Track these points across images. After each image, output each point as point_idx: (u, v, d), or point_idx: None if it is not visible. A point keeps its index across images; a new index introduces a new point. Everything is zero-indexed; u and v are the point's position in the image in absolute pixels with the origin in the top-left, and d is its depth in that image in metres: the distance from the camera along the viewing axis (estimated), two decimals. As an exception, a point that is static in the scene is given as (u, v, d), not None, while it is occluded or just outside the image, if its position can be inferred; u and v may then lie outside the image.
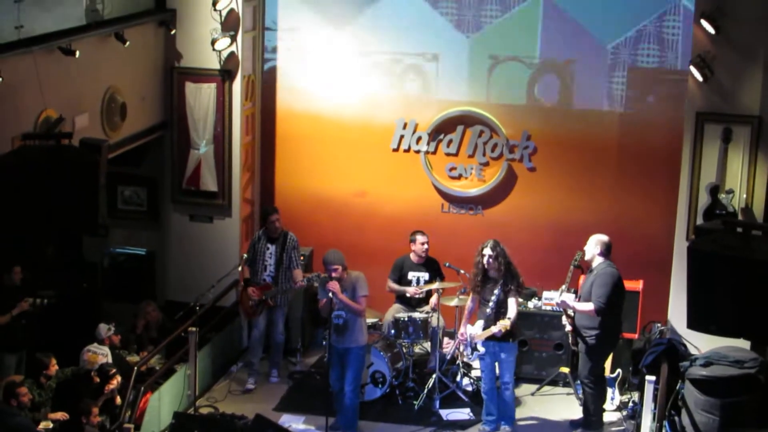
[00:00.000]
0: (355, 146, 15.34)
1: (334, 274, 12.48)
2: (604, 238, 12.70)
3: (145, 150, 14.91)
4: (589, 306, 12.42)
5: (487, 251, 12.59)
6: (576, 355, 12.88)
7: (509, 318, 12.47)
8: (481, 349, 12.72)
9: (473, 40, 14.82)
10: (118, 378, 12.33)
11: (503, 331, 12.42)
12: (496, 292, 12.54)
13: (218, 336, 14.35)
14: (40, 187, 10.61)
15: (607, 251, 12.65)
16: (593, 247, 12.68)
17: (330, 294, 12.44)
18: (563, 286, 12.69)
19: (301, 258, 14.56)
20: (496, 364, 12.82)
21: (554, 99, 14.76)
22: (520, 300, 13.04)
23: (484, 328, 12.60)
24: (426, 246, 14.18)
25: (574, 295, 12.85)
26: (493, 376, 12.89)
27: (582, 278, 13.41)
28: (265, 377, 14.29)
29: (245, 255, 13.99)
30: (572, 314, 12.72)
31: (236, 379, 14.34)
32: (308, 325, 15.12)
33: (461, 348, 13.09)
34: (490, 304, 12.58)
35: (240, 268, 14.03)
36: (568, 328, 12.77)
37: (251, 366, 14.18)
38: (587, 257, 12.75)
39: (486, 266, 12.63)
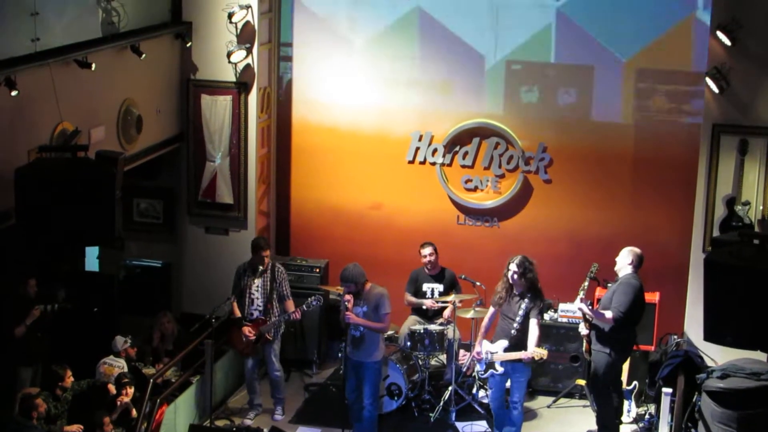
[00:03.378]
0: (370, 158, 15.35)
1: (347, 290, 12.47)
2: (637, 250, 12.61)
3: (161, 162, 14.95)
4: (608, 314, 12.35)
5: (513, 267, 12.37)
6: (591, 365, 12.84)
7: (545, 347, 12.47)
8: (500, 369, 12.55)
9: (490, 52, 14.81)
10: (129, 389, 12.33)
11: (535, 359, 12.37)
12: (522, 309, 12.39)
13: (234, 348, 14.33)
14: (56, 200, 10.64)
15: (639, 264, 12.59)
16: (625, 257, 12.60)
17: (347, 303, 12.42)
18: (581, 292, 12.58)
19: (328, 291, 14.54)
20: (507, 382, 12.69)
21: (570, 110, 14.74)
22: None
23: (508, 348, 12.46)
24: (427, 258, 14.14)
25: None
26: (502, 395, 12.73)
27: (598, 290, 13.37)
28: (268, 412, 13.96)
29: (232, 294, 13.58)
30: (590, 320, 12.65)
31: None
32: (324, 337, 15.12)
33: (477, 367, 12.92)
34: (515, 323, 12.41)
35: (231, 306, 13.61)
36: (585, 332, 12.67)
37: (252, 402, 13.86)
38: (617, 267, 12.65)
39: (511, 281, 12.51)
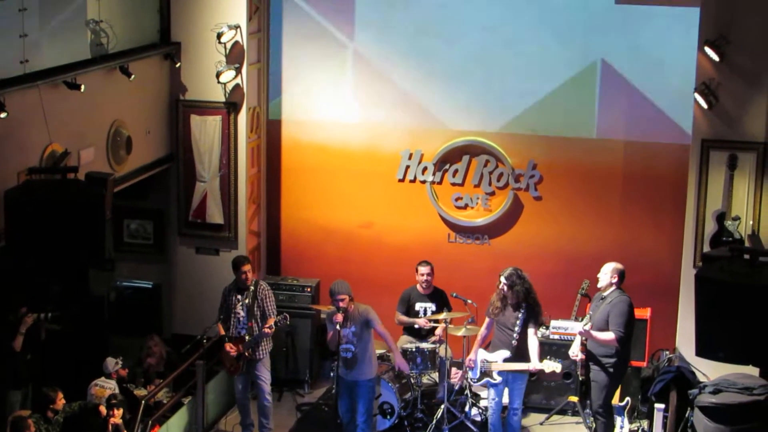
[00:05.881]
0: (360, 177, 15.36)
1: (341, 304, 12.45)
2: (620, 266, 12.61)
3: (151, 183, 14.92)
4: (609, 335, 12.32)
5: (502, 279, 12.64)
6: (585, 384, 12.80)
7: (556, 361, 12.67)
8: (498, 378, 12.72)
9: (477, 69, 14.84)
10: (117, 410, 12.28)
11: (546, 372, 12.68)
12: (519, 319, 12.58)
13: (223, 367, 14.29)
14: (46, 221, 10.61)
15: (622, 279, 12.59)
16: (609, 275, 12.55)
17: (337, 326, 12.43)
18: (586, 317, 12.57)
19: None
20: (505, 391, 12.84)
21: (560, 128, 14.76)
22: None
23: (510, 358, 12.61)
24: (426, 277, 14.14)
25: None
26: (501, 406, 12.89)
27: (589, 306, 13.36)
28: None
29: (220, 315, 13.48)
30: (585, 343, 12.63)
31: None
32: (316, 356, 15.10)
33: (469, 374, 13.05)
34: (514, 333, 12.60)
35: (217, 327, 13.47)
36: (580, 356, 12.66)
37: (244, 422, 13.64)
38: (601, 284, 12.63)
39: (503, 293, 12.67)
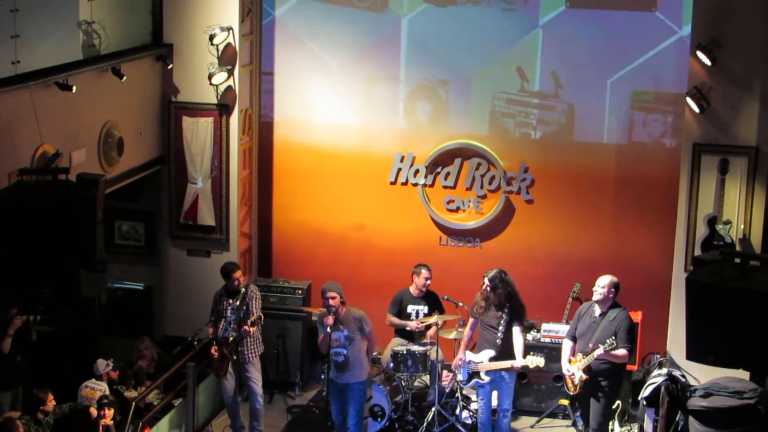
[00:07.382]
0: (352, 179, 15.35)
1: (330, 302, 12.45)
2: (615, 279, 12.38)
3: (143, 184, 14.91)
4: (623, 352, 12.22)
5: (486, 281, 12.74)
6: (581, 397, 12.68)
7: (539, 356, 12.78)
8: (486, 378, 12.76)
9: (474, 74, 14.85)
10: (108, 410, 12.26)
11: (531, 367, 12.79)
12: (503, 319, 12.65)
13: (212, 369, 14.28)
14: (37, 222, 10.60)
15: (617, 291, 12.42)
16: (607, 289, 12.31)
17: (328, 329, 12.43)
18: (607, 343, 12.31)
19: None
20: (494, 392, 12.87)
21: (552, 132, 14.76)
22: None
23: (495, 357, 12.67)
24: (428, 281, 14.15)
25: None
26: (490, 406, 12.93)
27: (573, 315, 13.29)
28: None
29: (211, 318, 13.42)
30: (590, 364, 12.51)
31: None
32: (307, 359, 15.08)
33: (459, 376, 13.06)
34: (499, 332, 12.66)
35: (208, 330, 13.42)
36: (583, 376, 12.47)
37: (234, 426, 13.59)
38: (597, 298, 12.37)
39: (486, 294, 12.72)
